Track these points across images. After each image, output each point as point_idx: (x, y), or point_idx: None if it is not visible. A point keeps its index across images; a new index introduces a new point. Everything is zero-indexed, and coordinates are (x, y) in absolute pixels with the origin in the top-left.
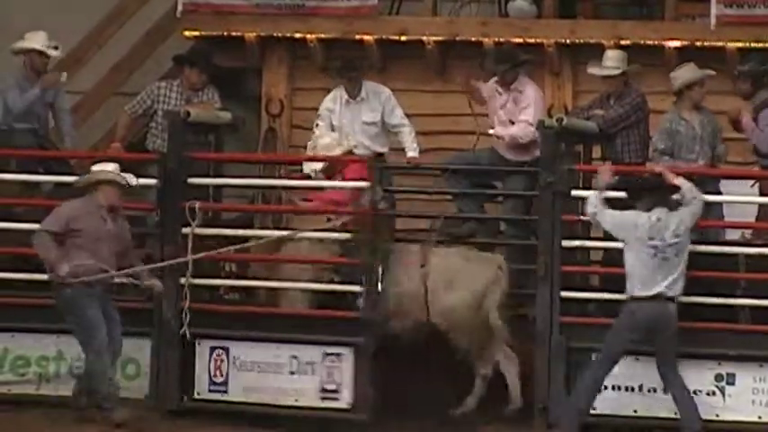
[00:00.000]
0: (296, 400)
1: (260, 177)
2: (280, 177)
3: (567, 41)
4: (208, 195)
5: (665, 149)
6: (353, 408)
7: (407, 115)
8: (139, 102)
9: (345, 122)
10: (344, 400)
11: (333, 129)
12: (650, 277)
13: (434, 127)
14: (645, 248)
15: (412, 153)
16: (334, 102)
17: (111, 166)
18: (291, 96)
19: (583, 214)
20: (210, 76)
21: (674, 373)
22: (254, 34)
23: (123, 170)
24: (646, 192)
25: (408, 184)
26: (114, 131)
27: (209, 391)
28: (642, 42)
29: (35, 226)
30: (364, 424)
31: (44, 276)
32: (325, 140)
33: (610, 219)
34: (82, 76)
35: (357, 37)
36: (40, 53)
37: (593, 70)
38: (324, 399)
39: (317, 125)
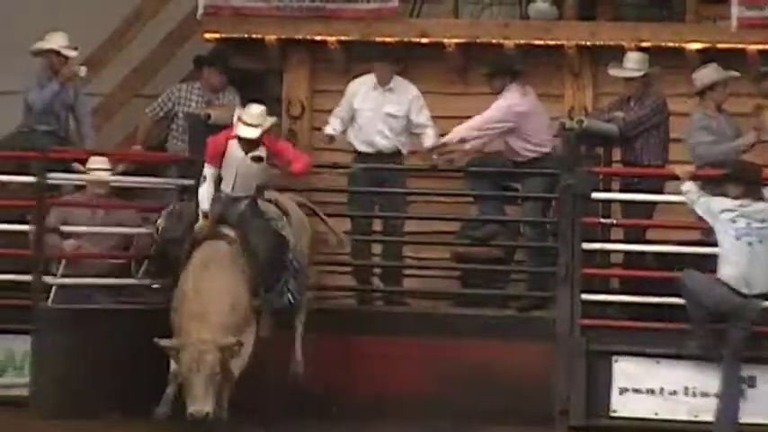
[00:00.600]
0: None
1: None
2: None
3: (588, 43)
4: None
5: (715, 141)
6: None
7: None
8: (160, 104)
9: (367, 108)
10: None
11: (352, 118)
12: (737, 264)
13: None
14: (730, 230)
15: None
16: (359, 85)
17: (98, 162)
18: (312, 98)
19: (603, 216)
20: (231, 78)
21: (731, 370)
22: (275, 36)
23: (144, 172)
24: (735, 180)
25: (428, 187)
26: (135, 134)
27: None
28: (662, 45)
29: None
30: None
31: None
32: (254, 110)
33: (702, 204)
34: (102, 79)
35: (378, 39)
36: (59, 54)
37: (614, 71)
38: None
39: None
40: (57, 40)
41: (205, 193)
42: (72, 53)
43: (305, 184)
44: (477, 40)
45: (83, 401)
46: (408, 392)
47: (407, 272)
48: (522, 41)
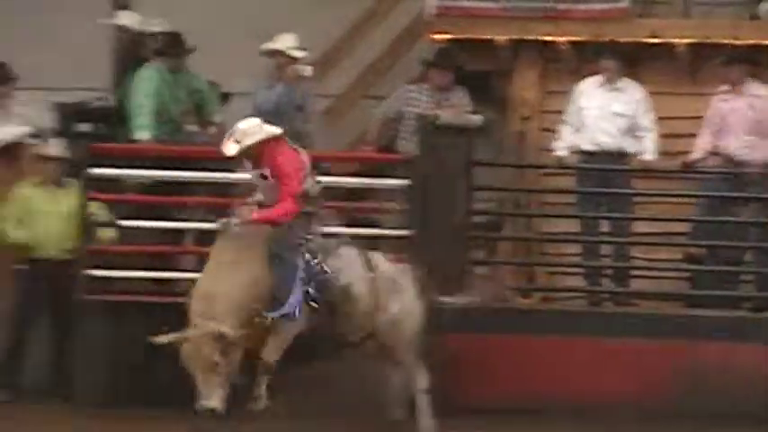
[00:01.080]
0: None
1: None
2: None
3: None
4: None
5: None
6: None
7: (658, 118)
8: (390, 105)
9: (593, 106)
10: None
11: (581, 115)
12: None
13: (685, 130)
14: None
15: (648, 156)
16: (586, 85)
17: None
18: (542, 99)
19: None
20: (457, 78)
21: None
22: (505, 37)
23: (373, 172)
24: None
25: (655, 187)
26: (365, 134)
27: None
28: None
29: None
30: None
31: None
32: (243, 125)
33: None
34: (333, 79)
35: (607, 39)
36: (286, 54)
37: None
38: None
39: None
40: (285, 41)
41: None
42: (299, 54)
43: (533, 184)
44: (707, 41)
45: (125, 394)
46: (637, 393)
47: (636, 273)
48: (752, 42)
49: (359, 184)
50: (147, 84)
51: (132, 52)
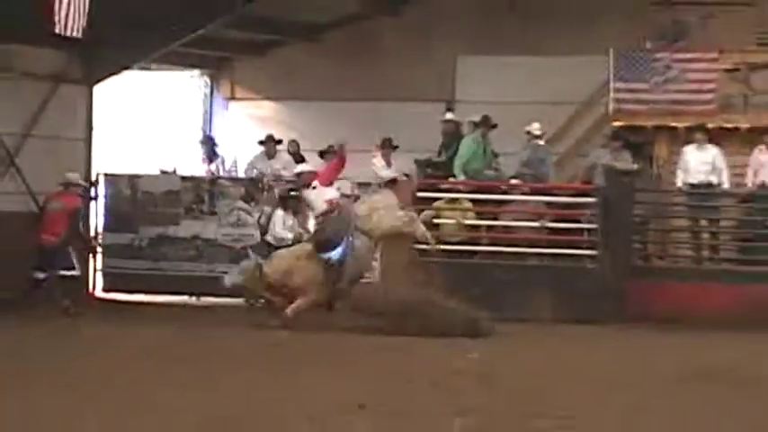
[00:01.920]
0: None
1: None
2: None
3: None
4: None
5: None
6: None
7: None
8: (590, 159)
9: (692, 159)
10: None
11: (686, 163)
12: None
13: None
14: None
15: (724, 185)
16: (689, 147)
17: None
18: (669, 156)
19: None
20: (625, 145)
21: None
22: (651, 123)
23: (581, 194)
24: None
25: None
26: (576, 175)
27: None
28: None
29: None
30: None
31: None
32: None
33: None
34: (560, 145)
35: (699, 124)
36: (533, 134)
37: None
38: None
39: None
40: (532, 126)
41: None
42: (539, 132)
43: (665, 200)
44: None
45: None
46: None
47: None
48: None
49: (574, 201)
50: (466, 148)
51: (454, 132)
